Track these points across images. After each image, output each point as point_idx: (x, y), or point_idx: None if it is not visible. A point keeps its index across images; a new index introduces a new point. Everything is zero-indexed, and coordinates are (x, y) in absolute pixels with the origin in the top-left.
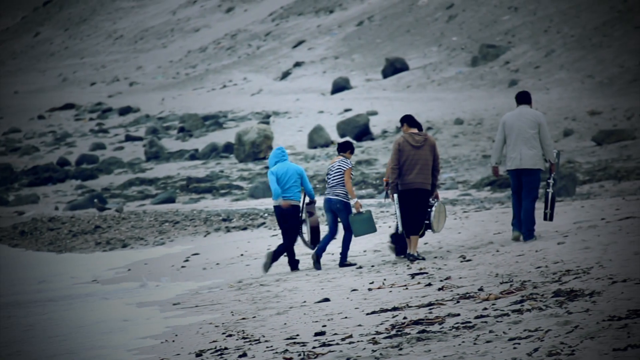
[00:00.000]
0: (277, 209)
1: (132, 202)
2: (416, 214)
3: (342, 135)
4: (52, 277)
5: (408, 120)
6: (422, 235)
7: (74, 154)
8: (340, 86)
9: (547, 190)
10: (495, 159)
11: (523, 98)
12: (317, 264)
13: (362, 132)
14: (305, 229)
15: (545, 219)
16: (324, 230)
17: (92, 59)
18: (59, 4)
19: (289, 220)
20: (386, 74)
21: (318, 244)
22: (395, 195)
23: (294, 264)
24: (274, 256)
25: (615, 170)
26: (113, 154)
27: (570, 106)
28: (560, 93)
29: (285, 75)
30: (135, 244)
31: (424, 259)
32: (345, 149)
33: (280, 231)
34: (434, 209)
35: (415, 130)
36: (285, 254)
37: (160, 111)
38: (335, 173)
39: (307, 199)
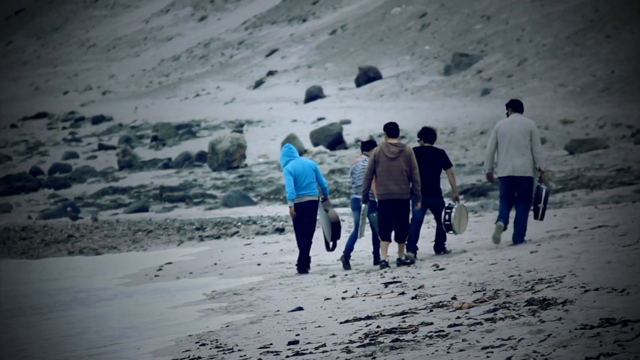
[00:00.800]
0: (298, 207)
1: (105, 211)
2: (398, 223)
3: (315, 144)
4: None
5: (388, 130)
6: (410, 241)
7: (46, 163)
8: (313, 95)
9: (541, 187)
10: (488, 166)
11: (516, 106)
12: (346, 265)
13: (335, 141)
14: (324, 227)
15: (535, 216)
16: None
17: (65, 68)
18: (31, 13)
19: (310, 215)
20: (359, 82)
21: (338, 239)
22: (364, 205)
23: (303, 266)
24: (301, 262)
25: (588, 179)
26: (86, 162)
27: (542, 115)
28: (533, 102)
29: (258, 84)
30: (109, 253)
31: (412, 261)
32: (369, 147)
33: (296, 231)
34: (454, 210)
35: (395, 141)
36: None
37: (134, 120)
38: (361, 172)
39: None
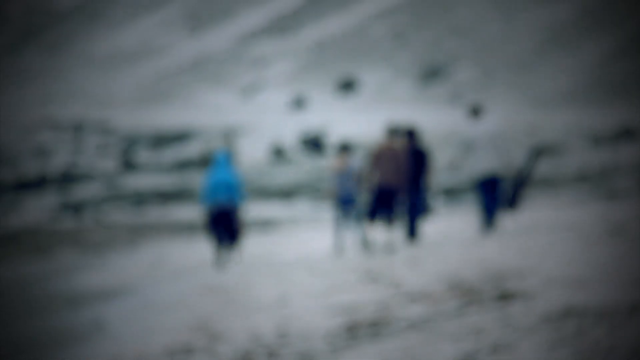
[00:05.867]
0: (209, 211)
1: (108, 212)
2: (391, 209)
3: (301, 151)
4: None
5: (387, 133)
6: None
7: (53, 168)
8: (299, 104)
9: (520, 180)
10: (455, 166)
11: (480, 111)
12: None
13: (319, 147)
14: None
15: (510, 205)
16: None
17: (69, 79)
18: (37, 28)
19: (221, 221)
20: (341, 91)
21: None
22: (369, 194)
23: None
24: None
25: (553, 182)
26: (90, 167)
27: (510, 121)
28: (501, 109)
29: (247, 92)
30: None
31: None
32: (346, 151)
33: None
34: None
35: (392, 142)
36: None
37: (133, 128)
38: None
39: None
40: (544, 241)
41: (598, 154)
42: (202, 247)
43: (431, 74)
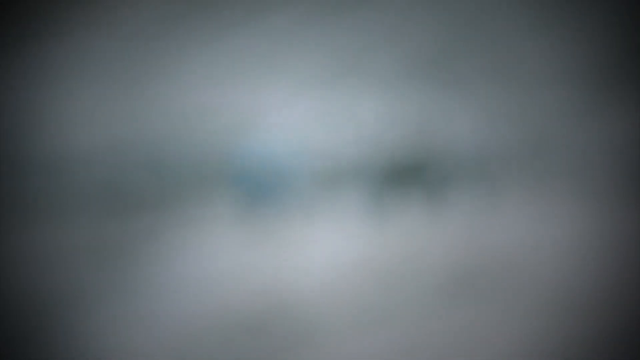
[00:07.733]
0: None
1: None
2: None
3: None
4: None
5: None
6: None
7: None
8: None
9: None
10: None
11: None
12: None
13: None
14: None
15: None
16: None
17: None
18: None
19: None
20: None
21: None
22: None
23: None
24: None
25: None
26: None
27: None
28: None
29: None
30: None
31: None
32: None
33: None
34: None
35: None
36: None
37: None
38: None
39: None
40: (549, 232)
41: (593, 149)
42: (232, 239)
43: (433, 66)
